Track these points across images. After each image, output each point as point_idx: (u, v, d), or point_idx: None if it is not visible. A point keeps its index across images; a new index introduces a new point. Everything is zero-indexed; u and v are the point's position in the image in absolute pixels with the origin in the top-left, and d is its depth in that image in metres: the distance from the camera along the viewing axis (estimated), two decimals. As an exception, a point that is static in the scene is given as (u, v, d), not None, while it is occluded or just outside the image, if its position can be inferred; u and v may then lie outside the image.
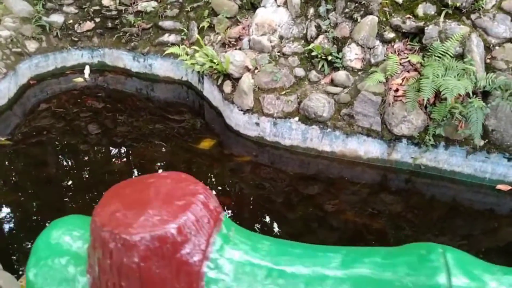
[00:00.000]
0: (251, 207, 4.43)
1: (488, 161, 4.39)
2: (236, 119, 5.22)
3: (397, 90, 4.60)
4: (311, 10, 5.24)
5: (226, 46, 6.04)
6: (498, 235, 4.24)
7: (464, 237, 4.08)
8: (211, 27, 6.47)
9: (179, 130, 5.62)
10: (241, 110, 5.10)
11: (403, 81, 4.63)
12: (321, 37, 5.01)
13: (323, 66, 4.96)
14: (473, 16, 4.59)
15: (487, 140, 4.34)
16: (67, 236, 0.73)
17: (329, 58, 4.87)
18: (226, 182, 4.77)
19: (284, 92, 4.93)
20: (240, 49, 5.76)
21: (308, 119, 4.80)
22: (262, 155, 5.14)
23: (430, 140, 4.45)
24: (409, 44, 4.85)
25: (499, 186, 4.46)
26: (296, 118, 4.85)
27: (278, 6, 5.58)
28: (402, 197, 4.67)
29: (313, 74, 4.93)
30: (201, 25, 6.51)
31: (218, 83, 5.51)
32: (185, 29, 6.62)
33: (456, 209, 4.50)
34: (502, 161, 4.35)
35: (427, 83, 4.21)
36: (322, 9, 5.00)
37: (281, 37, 5.39)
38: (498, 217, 4.41)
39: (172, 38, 6.68)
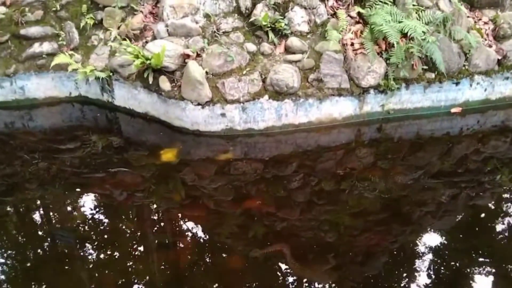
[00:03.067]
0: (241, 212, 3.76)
1: (441, 90, 4.84)
2: (193, 116, 4.43)
3: (352, 45, 4.61)
4: (235, -19, 4.76)
5: (132, 40, 5.03)
6: (451, 154, 4.72)
7: (422, 167, 4.39)
8: (97, 24, 5.29)
9: (74, 161, 4.35)
10: (199, 104, 4.34)
11: (354, 35, 4.66)
12: (259, 6, 4.61)
13: (269, 36, 4.59)
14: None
15: (436, 71, 4.75)
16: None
17: (277, 26, 4.53)
18: (219, 190, 3.99)
19: (244, 72, 4.39)
20: (154, 39, 4.87)
21: (279, 94, 4.40)
22: (235, 149, 4.51)
23: (393, 84, 4.63)
24: (340, 0, 4.90)
25: (453, 110, 4.98)
26: (266, 97, 4.40)
27: (190, -17, 4.88)
28: (374, 147, 4.76)
29: (266, 47, 4.53)
30: (82, 24, 5.25)
31: (150, 82, 4.55)
32: (61, 33, 5.24)
33: (419, 143, 4.82)
34: (451, 87, 4.85)
35: (388, 29, 4.33)
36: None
37: (206, 16, 4.75)
38: (451, 138, 4.91)
39: (46, 47, 5.22)
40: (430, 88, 4.77)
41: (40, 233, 3.56)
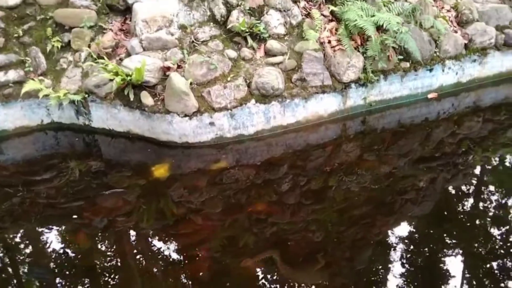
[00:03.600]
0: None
1: (417, 78, 5.01)
2: (181, 128, 4.33)
3: (329, 42, 4.69)
4: (206, -11, 4.73)
5: (104, 59, 4.86)
6: (430, 139, 4.88)
7: (405, 155, 4.52)
8: (64, 46, 5.09)
9: (50, 192, 4.06)
10: (186, 116, 4.25)
11: (330, 32, 4.74)
12: (235, 12, 4.60)
13: (247, 41, 4.59)
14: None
15: (410, 60, 4.91)
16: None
17: (255, 30, 4.54)
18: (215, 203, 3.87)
19: (229, 79, 4.35)
20: (128, 56, 4.74)
21: (265, 97, 4.39)
22: (227, 157, 4.44)
23: (372, 77, 4.74)
24: (310, 1, 4.98)
25: (430, 96, 5.17)
26: (253, 101, 4.38)
27: (160, -5, 4.81)
28: (359, 140, 4.83)
29: (247, 52, 4.52)
30: (48, 48, 5.03)
31: (131, 99, 4.41)
32: (27, 59, 4.99)
33: (400, 132, 4.95)
34: (426, 74, 5.03)
35: (363, 23, 4.44)
36: (225, -17, 4.59)
37: (181, 27, 4.69)
38: (430, 123, 5.07)
39: (12, 75, 4.95)
40: (406, 77, 4.92)
41: (13, 272, 3.30)
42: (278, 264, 3.08)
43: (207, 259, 3.16)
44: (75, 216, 3.64)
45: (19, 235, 3.64)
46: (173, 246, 3.39)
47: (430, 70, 5.00)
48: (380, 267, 3.13)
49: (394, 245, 3.30)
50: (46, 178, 4.47)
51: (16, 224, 3.71)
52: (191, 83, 4.28)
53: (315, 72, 4.54)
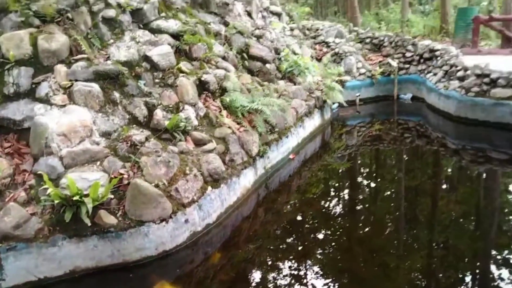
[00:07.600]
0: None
1: (283, 144, 6.33)
2: (158, 237, 3.97)
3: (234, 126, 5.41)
4: (116, 94, 4.54)
5: (7, 194, 3.81)
6: (292, 192, 6.39)
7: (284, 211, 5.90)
8: None
9: None
10: (163, 221, 3.97)
11: (228, 118, 5.47)
12: (158, 111, 4.63)
13: (175, 136, 4.73)
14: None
15: (276, 132, 6.22)
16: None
17: (181, 125, 4.74)
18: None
19: (186, 171, 4.35)
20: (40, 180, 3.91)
21: (216, 181, 4.64)
22: (211, 249, 4.32)
23: (265, 148, 5.76)
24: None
25: (291, 156, 6.57)
26: (209, 188, 4.53)
27: (62, 105, 4.24)
28: (265, 204, 5.70)
29: (184, 145, 4.63)
30: None
31: (89, 225, 3.69)
32: None
33: (280, 190, 6.15)
34: (285, 140, 6.43)
35: (257, 106, 5.46)
36: (141, 83, 4.60)
37: (105, 134, 4.32)
38: (291, 179, 6.49)
39: None
40: (278, 144, 6.16)
41: None
42: None
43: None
44: None
45: None
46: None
47: (287, 137, 6.44)
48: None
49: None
50: None
51: None
52: (157, 185, 4.02)
53: (237, 152, 5.11)
